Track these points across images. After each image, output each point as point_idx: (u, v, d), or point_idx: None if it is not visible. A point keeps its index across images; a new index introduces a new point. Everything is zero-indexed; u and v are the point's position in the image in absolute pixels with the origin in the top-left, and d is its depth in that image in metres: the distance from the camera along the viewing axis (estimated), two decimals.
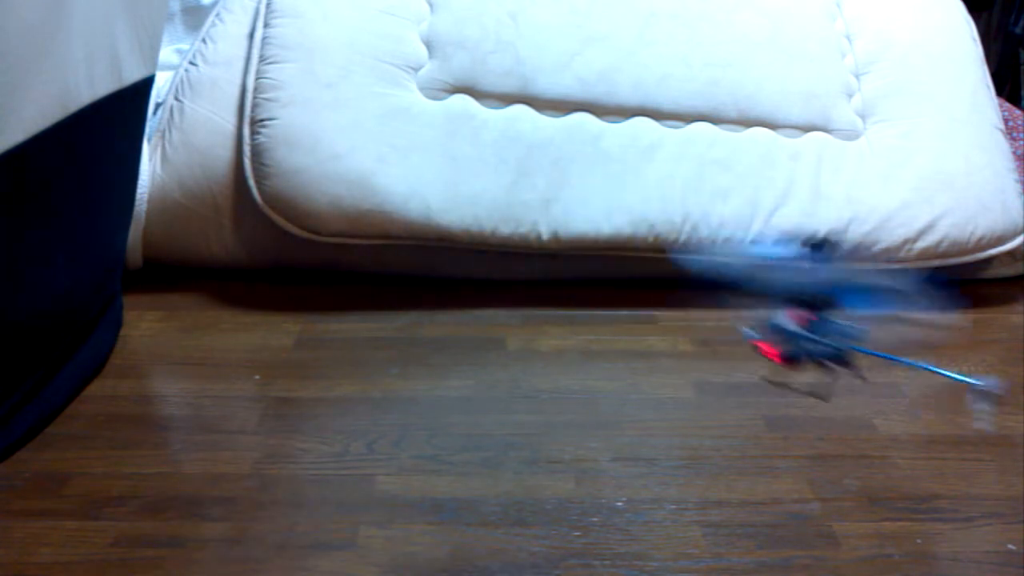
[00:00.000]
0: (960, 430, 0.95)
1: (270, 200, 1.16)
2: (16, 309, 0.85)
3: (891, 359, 0.54)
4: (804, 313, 0.53)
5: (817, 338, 0.52)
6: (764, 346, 0.55)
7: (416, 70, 1.25)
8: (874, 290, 0.54)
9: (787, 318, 0.53)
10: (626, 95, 1.27)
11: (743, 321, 0.55)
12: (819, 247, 0.55)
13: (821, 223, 1.20)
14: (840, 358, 0.53)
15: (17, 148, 0.78)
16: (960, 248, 1.22)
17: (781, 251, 0.55)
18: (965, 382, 0.54)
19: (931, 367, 0.54)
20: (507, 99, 1.25)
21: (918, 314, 0.55)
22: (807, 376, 0.54)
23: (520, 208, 1.19)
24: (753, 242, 0.54)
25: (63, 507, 0.80)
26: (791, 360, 0.55)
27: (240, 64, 1.26)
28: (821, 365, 0.54)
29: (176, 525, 0.78)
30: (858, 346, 0.53)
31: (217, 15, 1.32)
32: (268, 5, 1.28)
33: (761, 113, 1.28)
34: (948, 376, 0.55)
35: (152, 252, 1.22)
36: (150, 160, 1.21)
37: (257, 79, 1.22)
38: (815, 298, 0.53)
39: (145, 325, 1.12)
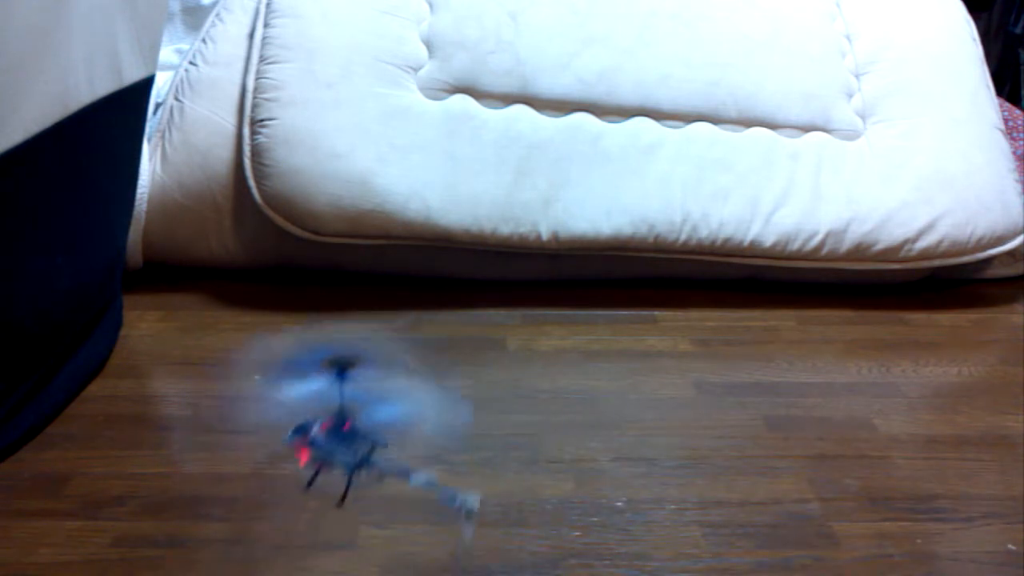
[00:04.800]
0: (960, 430, 0.95)
1: (270, 200, 1.16)
2: (16, 309, 0.85)
3: (397, 473, 0.59)
4: (330, 421, 0.59)
5: (333, 446, 0.58)
6: (300, 450, 0.60)
7: (416, 70, 1.25)
8: (393, 401, 0.59)
9: (317, 427, 0.59)
10: (626, 95, 1.27)
11: (288, 426, 0.60)
12: (343, 368, 0.61)
13: (821, 223, 1.20)
14: (354, 465, 0.59)
15: (17, 148, 0.78)
16: (960, 248, 1.22)
17: (309, 382, 0.60)
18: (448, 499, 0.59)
19: (426, 484, 0.60)
20: (507, 99, 1.25)
21: (429, 419, 0.60)
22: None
23: (520, 208, 1.19)
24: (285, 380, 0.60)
25: (63, 507, 0.80)
26: (317, 463, 0.60)
27: (240, 64, 1.26)
28: (344, 468, 0.59)
29: (176, 525, 0.78)
30: (369, 455, 0.58)
31: (217, 15, 1.32)
32: (268, 5, 1.28)
33: (761, 113, 1.28)
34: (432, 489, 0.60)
35: (152, 252, 1.22)
36: (150, 160, 1.21)
37: (257, 79, 1.22)
38: (341, 408, 0.58)
39: (145, 325, 1.12)
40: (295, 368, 0.61)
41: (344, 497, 0.61)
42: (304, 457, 0.61)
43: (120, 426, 0.92)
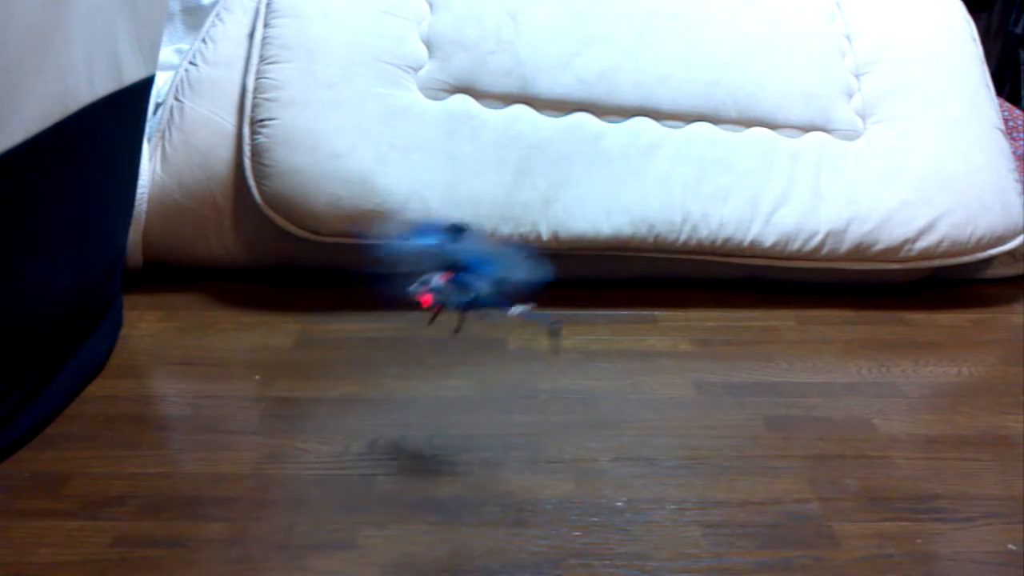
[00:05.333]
0: (960, 430, 0.95)
1: (270, 200, 1.16)
2: (16, 309, 0.85)
3: (498, 308, 0.80)
4: (449, 274, 0.79)
5: (453, 290, 0.79)
6: (422, 298, 0.80)
7: (416, 70, 1.25)
8: (497, 263, 0.81)
9: (438, 278, 0.79)
10: (626, 95, 1.27)
11: (412, 282, 0.80)
12: (457, 232, 0.82)
13: (821, 223, 1.21)
14: (468, 304, 0.79)
15: (17, 148, 0.78)
16: (960, 248, 1.22)
17: (430, 239, 0.82)
18: (535, 318, 0.80)
19: (523, 313, 0.81)
20: (507, 99, 1.25)
21: (517, 278, 0.82)
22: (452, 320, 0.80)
23: (520, 208, 1.19)
24: (407, 234, 0.85)
25: (63, 507, 0.80)
26: (436, 304, 0.79)
27: (240, 64, 1.26)
28: (458, 308, 0.80)
29: (176, 525, 0.78)
30: (476, 298, 0.79)
31: (217, 15, 1.32)
32: (268, 5, 1.28)
33: (761, 113, 1.28)
34: (525, 315, 0.81)
35: (152, 252, 1.22)
36: (150, 160, 1.21)
37: (257, 79, 1.22)
38: (456, 264, 0.80)
39: (145, 325, 1.12)
40: (422, 232, 0.83)
41: (458, 329, 0.79)
42: (426, 301, 0.79)
43: (120, 426, 0.92)
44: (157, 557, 0.74)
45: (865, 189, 1.23)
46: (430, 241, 0.81)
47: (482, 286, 0.79)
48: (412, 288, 0.79)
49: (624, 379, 1.03)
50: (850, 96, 1.32)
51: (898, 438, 0.93)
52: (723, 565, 0.75)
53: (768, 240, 1.20)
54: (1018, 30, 2.16)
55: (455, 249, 0.81)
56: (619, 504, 0.82)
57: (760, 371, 1.06)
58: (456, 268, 0.80)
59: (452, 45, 1.27)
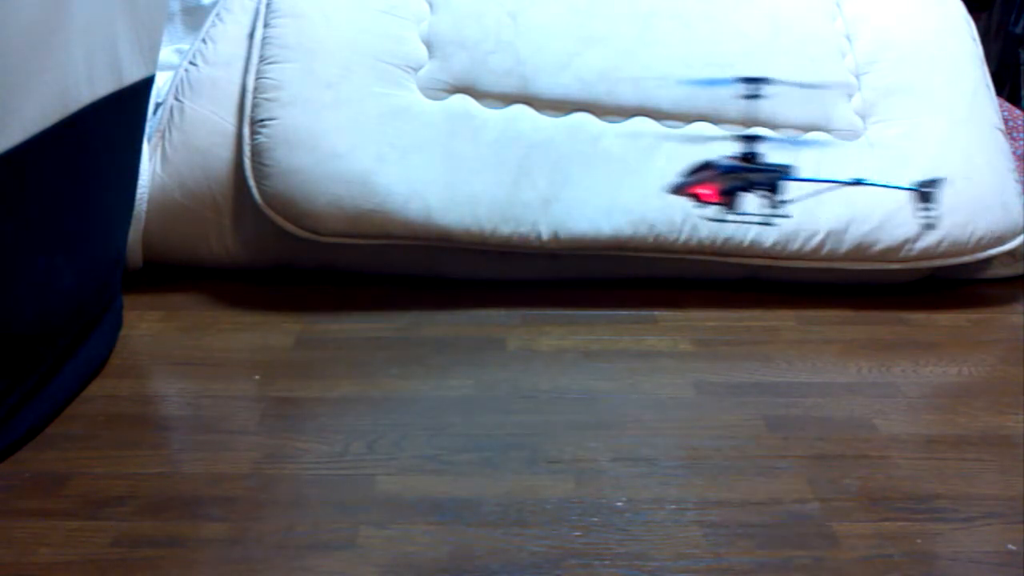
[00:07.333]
0: (960, 430, 0.95)
1: (270, 200, 1.16)
2: (16, 309, 0.85)
3: (809, 180, 0.70)
4: (738, 152, 0.69)
5: (753, 168, 0.68)
6: (697, 189, 0.69)
7: (416, 70, 1.25)
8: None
9: (725, 157, 0.69)
10: (626, 95, 1.27)
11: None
12: (754, 82, 0.71)
13: (821, 223, 1.20)
14: (769, 183, 0.68)
15: (17, 148, 0.78)
16: (960, 248, 1.22)
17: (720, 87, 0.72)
18: (902, 189, 0.71)
19: (866, 181, 0.72)
20: (507, 99, 1.25)
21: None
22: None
23: (520, 208, 1.19)
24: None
25: (63, 507, 0.80)
26: (727, 192, 0.70)
27: (240, 64, 1.26)
28: (755, 190, 0.69)
29: (176, 525, 0.78)
30: (785, 174, 0.67)
31: (217, 15, 1.32)
32: (268, 5, 1.28)
33: (761, 113, 1.28)
34: (884, 187, 0.68)
35: (152, 252, 1.22)
36: (150, 160, 1.21)
37: (257, 79, 1.22)
38: (749, 136, 0.69)
39: (145, 325, 1.12)
40: (712, 81, 0.73)
41: (775, 209, 0.70)
42: (707, 196, 0.69)
43: (120, 426, 0.92)
44: (157, 557, 0.74)
45: (865, 189, 1.23)
46: (720, 90, 0.70)
47: (783, 161, 0.67)
48: (685, 180, 0.69)
49: (624, 379, 1.03)
50: (850, 96, 1.32)
51: (898, 438, 0.93)
52: (723, 565, 0.75)
53: (768, 240, 1.20)
54: (1018, 30, 2.16)
55: (753, 108, 0.69)
56: (619, 504, 0.82)
57: (760, 371, 1.06)
58: (748, 139, 0.69)
59: (452, 45, 1.27)
